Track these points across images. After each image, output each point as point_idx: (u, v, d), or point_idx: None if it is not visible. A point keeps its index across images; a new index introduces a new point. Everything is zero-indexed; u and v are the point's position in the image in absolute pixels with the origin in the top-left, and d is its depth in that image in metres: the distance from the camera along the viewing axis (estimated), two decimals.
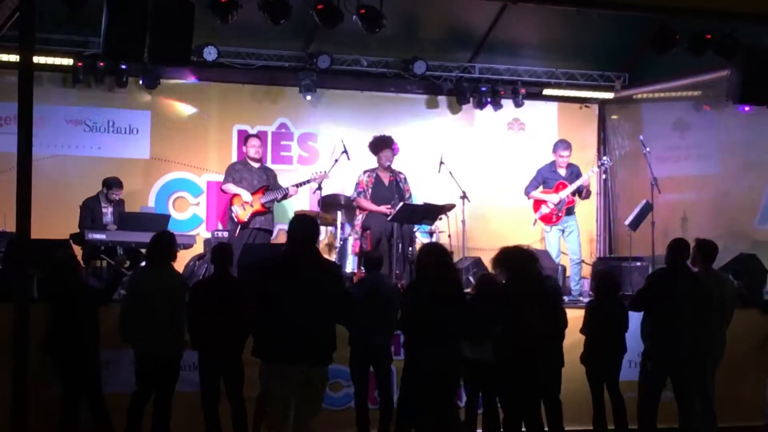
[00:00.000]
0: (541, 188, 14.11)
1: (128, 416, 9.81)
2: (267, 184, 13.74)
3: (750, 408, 11.71)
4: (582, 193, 14.20)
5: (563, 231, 14.12)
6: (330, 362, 8.24)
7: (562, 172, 14.16)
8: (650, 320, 10.12)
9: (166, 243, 10.07)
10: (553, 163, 14.26)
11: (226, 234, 13.60)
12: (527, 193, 14.22)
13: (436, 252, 9.29)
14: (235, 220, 13.55)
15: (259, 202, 13.57)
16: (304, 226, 8.36)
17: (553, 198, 13.98)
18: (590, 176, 14.47)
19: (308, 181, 13.84)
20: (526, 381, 9.21)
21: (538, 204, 14.14)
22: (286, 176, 14.38)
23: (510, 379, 9.29)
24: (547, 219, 14.07)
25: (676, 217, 15.24)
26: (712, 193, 15.32)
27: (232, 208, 13.60)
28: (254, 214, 13.52)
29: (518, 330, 9.16)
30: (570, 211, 14.14)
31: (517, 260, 9.40)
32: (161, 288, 9.79)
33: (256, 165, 13.88)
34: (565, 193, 13.95)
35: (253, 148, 13.89)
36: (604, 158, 14.94)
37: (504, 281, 9.55)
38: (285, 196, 13.83)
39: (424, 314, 8.88)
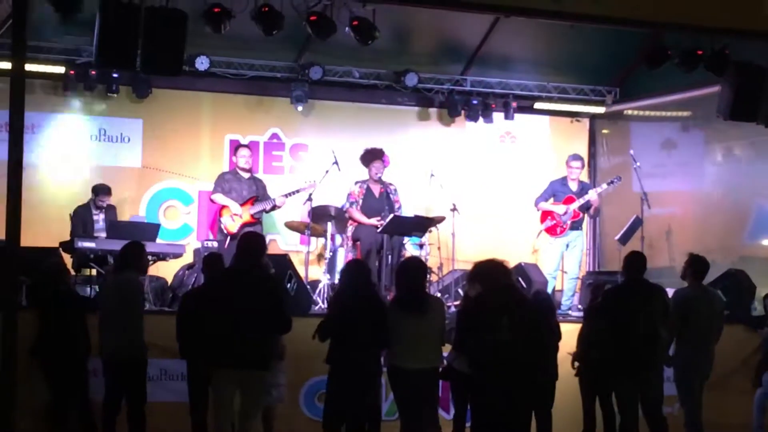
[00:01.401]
0: (551, 200, 14.13)
1: (102, 427, 9.82)
2: (256, 194, 13.72)
3: (737, 423, 11.72)
4: (590, 209, 14.22)
5: (567, 245, 14.13)
6: (266, 368, 8.82)
7: (573, 186, 14.19)
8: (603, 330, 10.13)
9: (130, 252, 10.08)
10: (564, 177, 14.29)
11: (215, 244, 13.57)
12: (536, 204, 14.24)
13: (360, 268, 9.73)
14: (225, 231, 13.52)
15: (249, 213, 13.55)
16: (247, 242, 9.15)
17: (559, 210, 13.99)
18: (599, 193, 14.45)
19: (297, 191, 13.83)
20: (496, 393, 9.15)
21: (544, 215, 14.17)
22: (277, 186, 14.35)
23: (480, 390, 9.27)
24: (551, 231, 14.09)
25: (662, 232, 15.26)
26: (699, 208, 15.35)
27: (222, 219, 13.57)
28: (243, 225, 13.49)
29: (486, 341, 9.14)
30: (575, 226, 14.14)
31: (488, 273, 9.39)
32: (115, 294, 9.84)
33: (245, 175, 13.87)
34: (573, 207, 13.96)
35: (243, 158, 13.87)
36: (614, 178, 14.91)
37: (474, 296, 9.56)
38: (273, 207, 13.82)
39: (340, 324, 9.20)
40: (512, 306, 9.03)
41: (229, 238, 13.40)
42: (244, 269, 8.90)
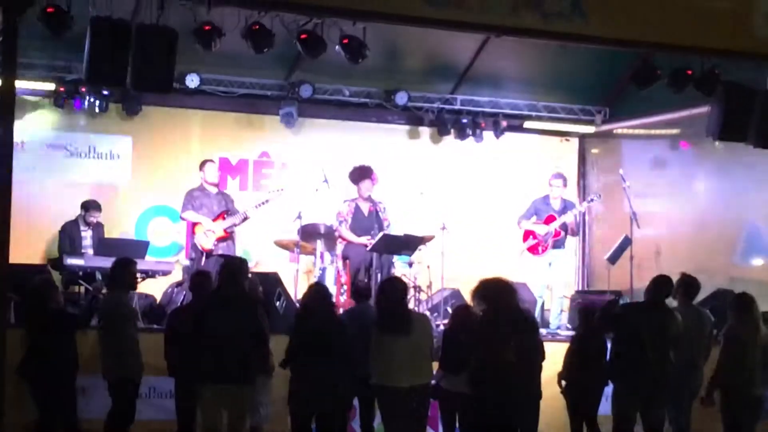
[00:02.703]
0: (534, 219, 14.16)
1: None
2: (226, 208, 13.67)
3: None
4: (567, 229, 14.26)
5: (550, 264, 14.15)
6: (250, 383, 9.26)
7: (556, 205, 14.23)
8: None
9: (117, 269, 10.14)
10: (547, 196, 14.33)
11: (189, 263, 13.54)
12: (519, 222, 14.29)
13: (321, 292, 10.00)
14: (199, 248, 13.42)
15: (221, 228, 13.49)
16: (228, 268, 9.58)
17: (540, 230, 14.04)
18: (576, 213, 14.48)
19: (266, 201, 13.77)
20: (497, 415, 9.15)
21: (527, 234, 14.23)
22: (267, 205, 14.28)
23: (482, 411, 9.25)
24: (533, 250, 14.14)
25: (651, 252, 15.25)
26: (689, 228, 15.35)
27: (195, 236, 13.48)
28: (218, 241, 13.45)
29: (492, 363, 9.13)
30: (557, 245, 14.18)
31: (496, 293, 9.38)
32: (106, 314, 9.90)
33: (213, 190, 13.78)
34: (554, 226, 14.00)
35: (211, 173, 13.81)
36: (592, 195, 14.96)
37: (481, 313, 9.53)
38: (244, 219, 13.72)
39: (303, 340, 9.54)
40: (521, 329, 9.05)
41: (204, 255, 13.33)
42: (228, 294, 9.32)
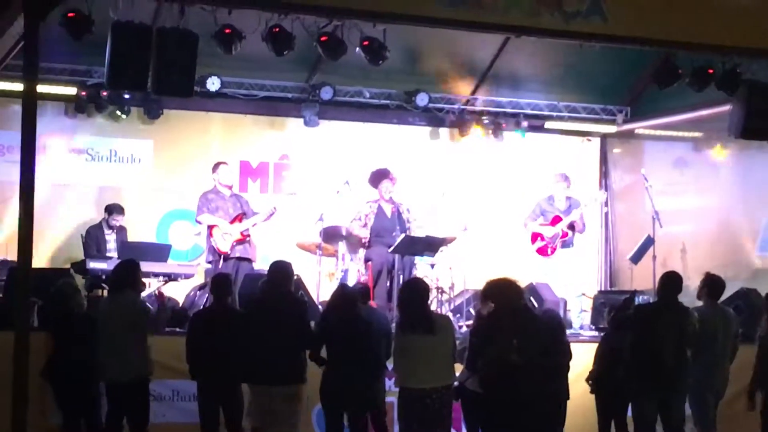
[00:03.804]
0: (540, 220, 14.12)
1: None
2: (243, 211, 13.65)
3: None
4: (574, 228, 14.23)
5: (560, 264, 14.12)
6: (299, 382, 9.54)
7: (561, 205, 14.21)
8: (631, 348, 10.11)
9: (124, 271, 10.10)
10: (551, 197, 14.31)
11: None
12: (525, 224, 14.28)
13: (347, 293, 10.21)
14: (216, 251, 13.34)
15: (238, 231, 13.50)
16: (278, 272, 9.90)
17: (547, 232, 14.02)
18: (582, 211, 14.45)
19: (272, 213, 13.63)
20: (504, 413, 9.12)
21: (534, 237, 14.20)
22: (287, 208, 14.28)
23: (489, 410, 9.25)
24: (542, 252, 14.11)
25: (676, 250, 15.23)
26: (711, 225, 15.32)
27: (212, 239, 13.40)
28: (235, 244, 13.43)
29: (495, 362, 9.11)
30: (565, 245, 14.15)
31: (500, 292, 9.38)
32: (118, 315, 9.81)
33: (227, 192, 13.72)
34: (559, 227, 13.98)
35: (225, 175, 13.75)
36: (598, 193, 14.92)
37: (487, 313, 9.55)
38: (271, 215, 13.65)
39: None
40: (522, 328, 9.02)
41: (222, 258, 13.32)
42: (276, 296, 9.74)
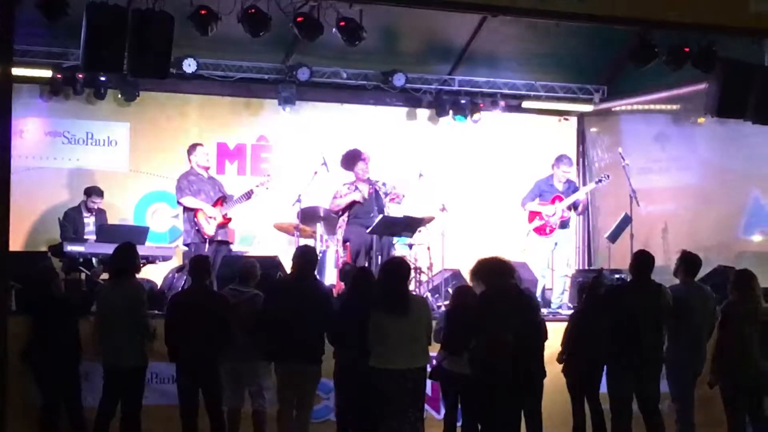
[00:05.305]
0: (537, 200, 14.11)
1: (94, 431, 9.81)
2: (222, 194, 13.59)
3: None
4: (578, 208, 14.24)
5: (556, 244, 14.13)
6: (319, 362, 9.89)
7: (560, 186, 14.17)
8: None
9: (124, 255, 10.07)
10: (551, 177, 14.27)
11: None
12: (523, 204, 14.20)
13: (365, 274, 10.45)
14: (202, 234, 13.26)
15: (221, 214, 13.43)
16: (304, 256, 10.24)
17: (548, 210, 13.98)
18: (587, 192, 14.49)
19: (252, 192, 13.59)
20: (500, 394, 9.16)
21: (532, 215, 14.12)
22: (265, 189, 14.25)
23: (485, 392, 9.27)
24: (540, 230, 14.07)
25: (657, 229, 15.27)
26: (693, 204, 15.35)
27: (197, 223, 13.30)
28: (219, 227, 13.37)
29: (492, 343, 9.14)
30: (564, 225, 14.15)
31: (494, 272, 9.39)
32: (120, 300, 9.81)
33: (205, 175, 13.63)
34: (561, 207, 13.97)
35: (203, 156, 13.63)
36: (602, 176, 14.90)
37: (479, 293, 9.54)
38: (249, 196, 13.58)
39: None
40: (519, 309, 9.05)
41: (207, 241, 13.27)
42: (305, 279, 10.12)
